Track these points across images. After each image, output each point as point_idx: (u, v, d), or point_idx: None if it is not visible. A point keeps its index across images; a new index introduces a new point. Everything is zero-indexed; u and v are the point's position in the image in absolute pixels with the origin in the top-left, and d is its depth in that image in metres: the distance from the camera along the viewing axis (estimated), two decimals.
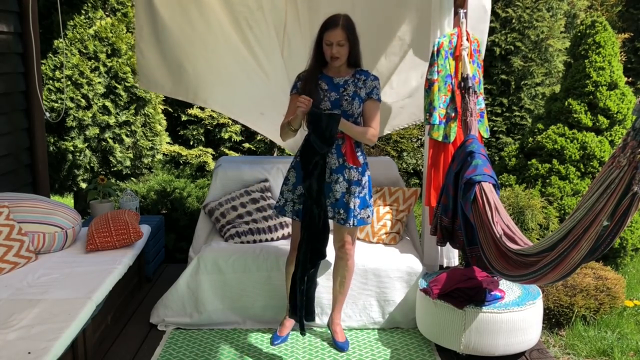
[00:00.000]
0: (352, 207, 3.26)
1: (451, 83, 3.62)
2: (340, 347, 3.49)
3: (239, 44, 4.20)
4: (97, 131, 5.57)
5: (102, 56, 5.57)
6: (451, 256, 4.01)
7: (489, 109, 6.45)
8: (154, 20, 4.07)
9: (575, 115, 4.60)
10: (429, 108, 3.60)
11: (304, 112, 3.08)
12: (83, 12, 5.53)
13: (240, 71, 4.27)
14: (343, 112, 3.21)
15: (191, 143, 7.08)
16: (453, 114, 3.61)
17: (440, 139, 3.63)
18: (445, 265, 4.00)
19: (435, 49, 3.57)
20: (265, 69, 4.29)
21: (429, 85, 3.60)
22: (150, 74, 4.23)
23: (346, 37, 3.14)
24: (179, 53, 4.16)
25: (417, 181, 7.00)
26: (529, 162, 4.75)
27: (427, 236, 3.86)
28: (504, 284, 3.49)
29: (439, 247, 3.82)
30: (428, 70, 3.61)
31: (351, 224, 3.27)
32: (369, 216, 3.34)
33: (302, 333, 3.25)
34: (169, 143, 6.82)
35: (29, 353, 2.43)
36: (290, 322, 3.59)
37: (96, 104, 5.55)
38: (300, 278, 3.14)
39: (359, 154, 3.30)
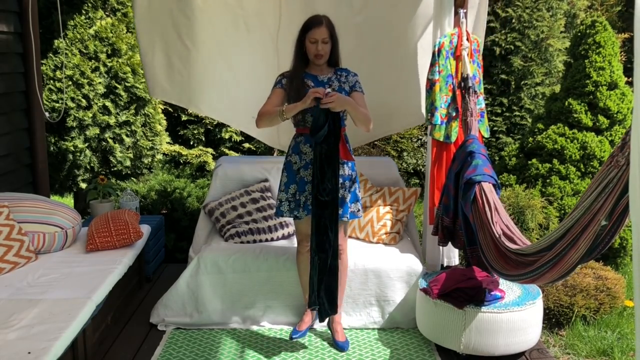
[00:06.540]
0: (347, 202, 3.33)
1: (452, 83, 3.61)
2: (340, 346, 3.49)
3: (230, 48, 4.21)
4: (98, 131, 5.57)
5: (103, 56, 5.57)
6: (452, 255, 4.01)
7: (489, 109, 6.44)
8: (155, 20, 4.07)
9: (575, 115, 4.60)
10: (431, 108, 3.60)
11: (313, 101, 3.08)
12: (83, 12, 5.53)
13: (232, 77, 4.29)
14: None
15: (191, 143, 7.07)
16: (454, 114, 3.61)
17: (441, 139, 3.63)
18: (445, 265, 4.00)
19: (437, 49, 3.57)
20: (258, 73, 4.29)
21: (430, 85, 3.59)
22: (155, 79, 4.24)
23: (329, 35, 3.26)
24: (175, 57, 4.18)
25: (417, 181, 6.99)
26: (529, 162, 4.75)
27: (429, 236, 3.86)
28: (504, 283, 3.49)
29: (441, 247, 3.83)
30: (429, 71, 3.60)
31: (347, 218, 3.35)
32: (359, 210, 3.42)
33: (321, 320, 3.36)
34: (169, 143, 6.82)
35: (29, 353, 2.43)
36: (309, 318, 3.61)
37: (96, 104, 5.55)
38: (315, 249, 3.17)
39: (348, 148, 3.33)
